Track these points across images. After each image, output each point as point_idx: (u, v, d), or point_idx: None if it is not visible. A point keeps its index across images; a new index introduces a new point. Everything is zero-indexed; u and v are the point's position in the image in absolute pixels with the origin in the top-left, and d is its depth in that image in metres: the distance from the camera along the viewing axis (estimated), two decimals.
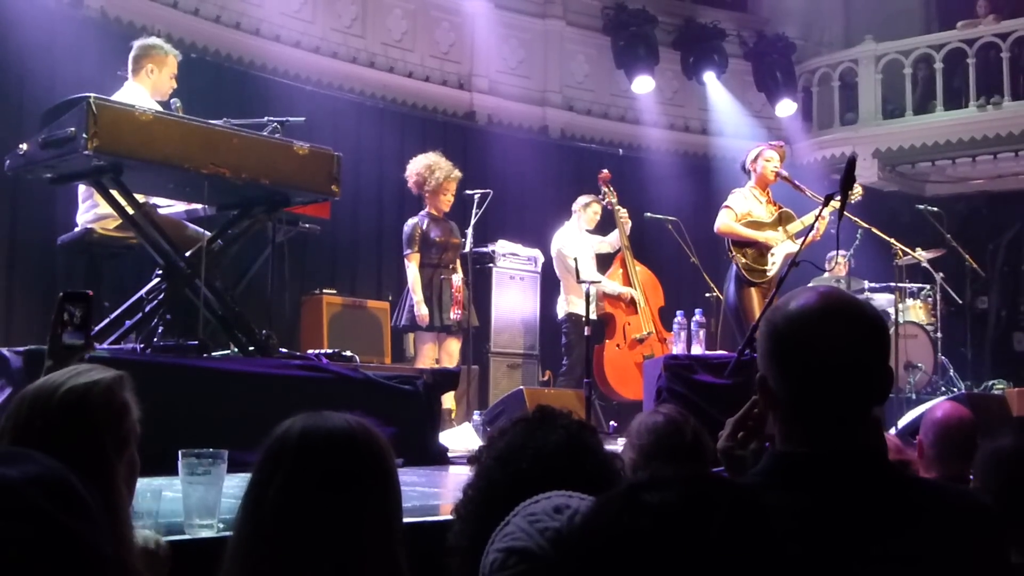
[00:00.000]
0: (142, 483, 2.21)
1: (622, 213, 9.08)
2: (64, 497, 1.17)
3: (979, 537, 1.73)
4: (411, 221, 8.04)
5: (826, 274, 8.83)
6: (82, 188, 5.76)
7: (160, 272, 5.44)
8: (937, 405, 4.45)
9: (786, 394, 1.81)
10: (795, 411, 1.81)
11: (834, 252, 7.83)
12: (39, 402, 1.96)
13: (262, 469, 1.83)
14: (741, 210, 7.38)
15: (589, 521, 1.26)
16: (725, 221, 7.36)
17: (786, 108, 12.86)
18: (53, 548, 1.12)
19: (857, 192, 6.59)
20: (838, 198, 5.33)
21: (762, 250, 7.33)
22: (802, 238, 6.50)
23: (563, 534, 1.55)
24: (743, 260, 7.28)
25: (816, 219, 6.45)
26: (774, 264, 7.29)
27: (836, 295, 1.87)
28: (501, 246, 9.37)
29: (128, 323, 5.35)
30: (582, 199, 9.09)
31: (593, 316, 7.72)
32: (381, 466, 1.86)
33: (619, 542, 1.18)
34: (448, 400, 7.30)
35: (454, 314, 7.89)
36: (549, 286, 9.36)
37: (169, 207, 5.95)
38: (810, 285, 7.63)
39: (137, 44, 6.11)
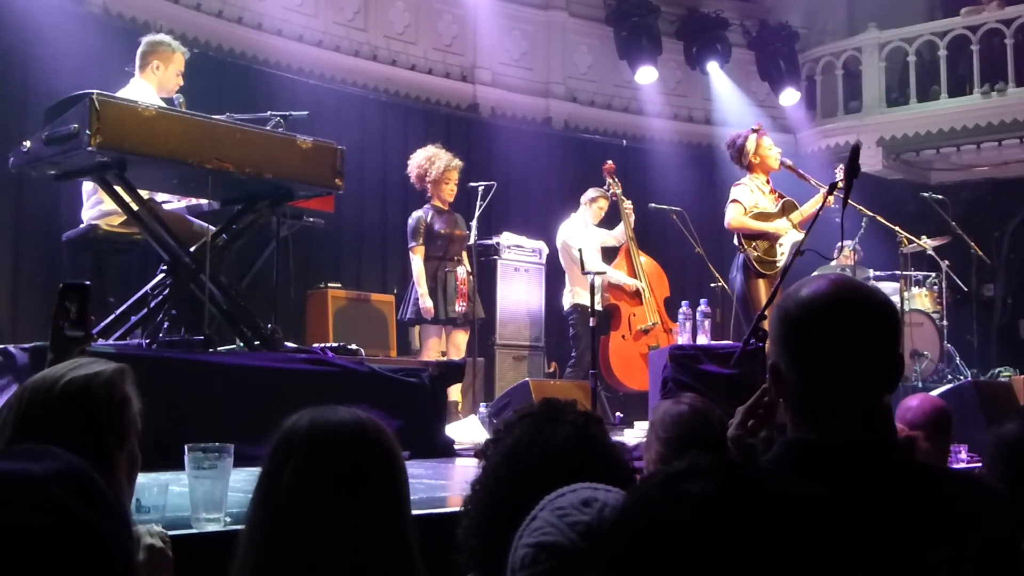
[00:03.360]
0: (149, 477, 2.21)
1: (627, 204, 9.07)
2: (85, 491, 1.19)
3: (990, 524, 1.73)
4: (416, 214, 8.05)
5: (833, 263, 8.80)
6: (87, 185, 5.76)
7: (165, 267, 5.44)
8: (911, 396, 4.53)
9: (798, 380, 1.81)
10: (807, 398, 1.80)
11: (844, 241, 7.79)
12: (39, 393, 1.96)
13: (272, 462, 1.83)
14: (748, 203, 7.34)
15: (628, 511, 1.25)
16: (736, 216, 7.28)
17: (790, 97, 12.84)
18: (75, 541, 1.14)
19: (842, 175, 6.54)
20: (842, 185, 5.32)
21: (772, 241, 7.30)
22: (807, 227, 6.48)
23: (594, 527, 1.53)
24: (755, 253, 7.24)
25: (820, 207, 6.42)
26: (783, 255, 7.26)
27: (847, 282, 1.87)
28: (506, 238, 9.37)
29: (133, 319, 5.37)
30: (590, 192, 9.09)
31: (598, 307, 7.71)
32: (390, 456, 1.87)
33: (661, 531, 1.17)
34: (454, 392, 7.30)
35: (459, 306, 7.90)
36: (554, 278, 9.36)
37: (167, 203, 5.95)
38: (815, 274, 7.60)
39: (145, 40, 6.11)
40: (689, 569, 1.14)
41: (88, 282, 2.72)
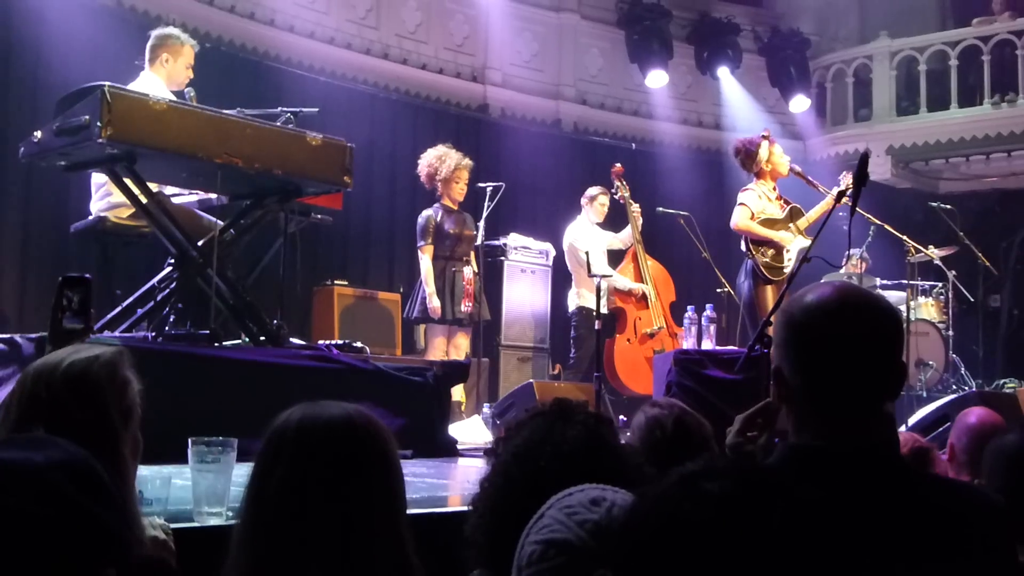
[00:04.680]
0: (152, 470, 2.22)
1: (634, 208, 9.07)
2: (86, 481, 1.21)
3: (989, 534, 1.73)
4: (425, 213, 8.06)
5: (841, 271, 8.80)
6: (96, 176, 5.77)
7: (172, 261, 5.45)
8: (970, 410, 4.45)
9: (801, 385, 1.81)
10: (809, 403, 1.81)
11: (853, 250, 7.78)
12: (43, 377, 1.97)
13: (263, 460, 1.84)
14: (756, 208, 7.34)
15: (645, 510, 1.26)
16: (742, 219, 7.28)
17: (800, 104, 12.83)
18: (74, 529, 1.17)
19: (847, 181, 6.55)
20: (850, 192, 5.32)
21: (779, 249, 7.30)
22: (813, 234, 6.47)
23: (602, 526, 1.54)
24: (763, 259, 7.24)
25: (828, 213, 6.41)
26: (790, 261, 7.26)
27: (852, 289, 1.88)
28: (513, 239, 9.37)
29: (140, 311, 5.37)
30: (589, 191, 9.09)
31: (604, 310, 7.72)
32: (381, 451, 1.86)
33: (681, 530, 1.18)
34: (458, 392, 7.30)
35: (465, 307, 7.90)
36: (560, 280, 9.36)
37: (178, 195, 5.96)
38: (823, 280, 7.60)
39: (154, 33, 6.13)
40: (710, 567, 1.15)
41: (88, 275, 2.73)
